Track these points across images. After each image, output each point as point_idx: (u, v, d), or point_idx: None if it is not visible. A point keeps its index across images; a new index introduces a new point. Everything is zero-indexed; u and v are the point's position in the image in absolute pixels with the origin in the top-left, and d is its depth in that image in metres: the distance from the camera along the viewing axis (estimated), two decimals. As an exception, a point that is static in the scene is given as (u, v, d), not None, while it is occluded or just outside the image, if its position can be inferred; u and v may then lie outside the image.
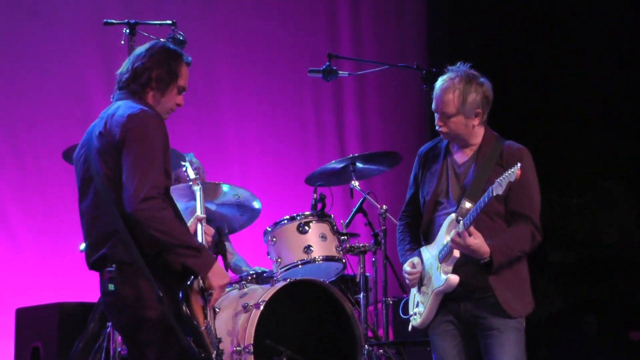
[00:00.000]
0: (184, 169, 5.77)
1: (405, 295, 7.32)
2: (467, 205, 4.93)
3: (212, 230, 5.16)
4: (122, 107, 4.44)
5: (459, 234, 4.86)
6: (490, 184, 4.80)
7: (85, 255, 4.50)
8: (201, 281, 4.40)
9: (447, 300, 5.01)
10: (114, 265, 4.35)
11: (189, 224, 4.74)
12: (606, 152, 9.31)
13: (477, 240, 4.84)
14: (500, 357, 4.92)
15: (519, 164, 4.71)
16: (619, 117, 9.25)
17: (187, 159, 5.98)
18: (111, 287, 4.36)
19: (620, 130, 9.25)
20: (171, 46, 4.64)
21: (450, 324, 5.04)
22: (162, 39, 4.90)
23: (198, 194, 5.51)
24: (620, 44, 9.33)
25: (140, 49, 4.61)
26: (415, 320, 5.14)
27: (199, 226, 4.98)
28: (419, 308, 5.12)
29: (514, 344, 4.96)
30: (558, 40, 9.52)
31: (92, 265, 4.47)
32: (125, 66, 4.58)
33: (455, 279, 4.92)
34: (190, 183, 5.67)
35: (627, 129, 9.26)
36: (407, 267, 5.12)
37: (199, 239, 4.90)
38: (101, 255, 4.39)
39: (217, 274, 4.41)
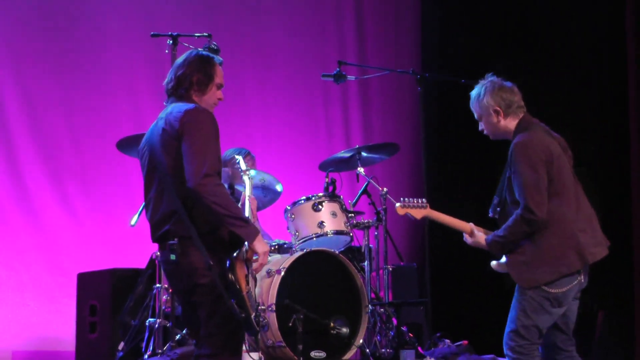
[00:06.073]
0: (237, 161, 6.21)
1: (402, 263, 8.01)
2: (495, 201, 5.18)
3: (255, 201, 5.75)
4: (177, 106, 4.75)
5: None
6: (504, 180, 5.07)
7: (151, 231, 4.78)
8: (245, 253, 4.64)
9: None
10: (175, 239, 4.61)
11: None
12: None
13: (471, 240, 5.19)
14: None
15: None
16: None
17: (242, 153, 6.44)
18: (172, 257, 4.61)
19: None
20: (204, 53, 4.89)
21: None
22: (198, 48, 5.15)
23: (247, 182, 5.99)
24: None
25: (179, 60, 4.88)
26: None
27: (247, 202, 5.63)
28: None
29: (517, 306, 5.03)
30: (542, 49, 9.07)
31: (157, 239, 4.75)
32: (169, 76, 4.87)
33: (492, 263, 5.19)
34: (241, 173, 6.17)
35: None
36: None
37: (247, 211, 5.49)
38: (165, 230, 4.67)
39: (261, 242, 4.64)
